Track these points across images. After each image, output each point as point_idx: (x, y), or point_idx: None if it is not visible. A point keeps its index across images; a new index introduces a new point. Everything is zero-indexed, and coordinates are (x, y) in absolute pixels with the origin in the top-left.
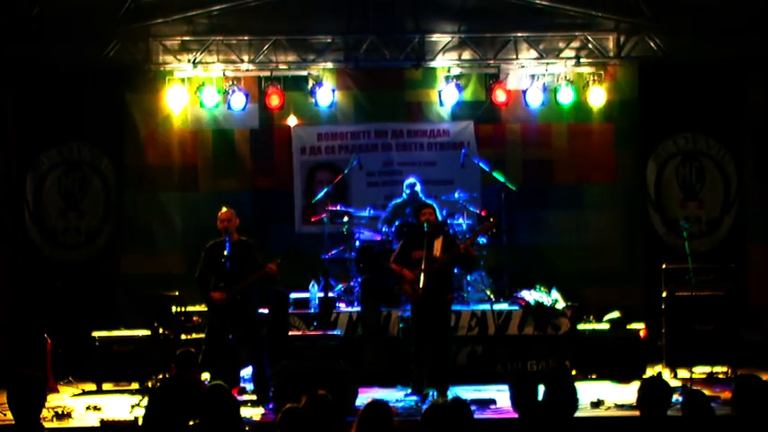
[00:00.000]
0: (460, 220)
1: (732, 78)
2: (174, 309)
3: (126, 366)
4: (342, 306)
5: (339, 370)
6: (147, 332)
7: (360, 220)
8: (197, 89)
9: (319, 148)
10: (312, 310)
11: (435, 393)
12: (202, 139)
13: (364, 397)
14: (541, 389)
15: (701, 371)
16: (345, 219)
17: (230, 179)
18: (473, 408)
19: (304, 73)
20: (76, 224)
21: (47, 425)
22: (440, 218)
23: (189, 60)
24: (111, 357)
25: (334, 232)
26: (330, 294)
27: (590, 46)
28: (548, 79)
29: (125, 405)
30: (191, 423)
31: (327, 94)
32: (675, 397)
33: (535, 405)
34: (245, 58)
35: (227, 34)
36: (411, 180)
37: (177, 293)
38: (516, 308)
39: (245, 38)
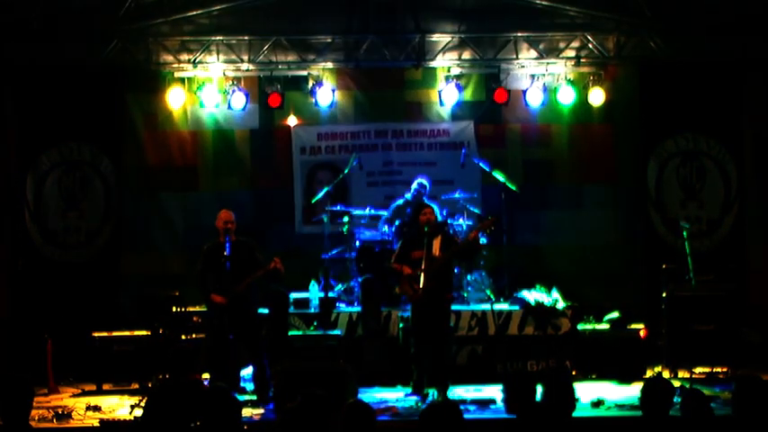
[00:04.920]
0: (461, 221)
1: (732, 78)
2: (173, 309)
3: (126, 366)
4: (342, 306)
5: (339, 370)
6: (147, 332)
7: (360, 220)
8: (197, 89)
9: (319, 147)
10: (312, 310)
11: (435, 393)
12: (202, 139)
13: (365, 397)
14: (539, 389)
15: (700, 371)
16: (345, 218)
17: (230, 179)
18: (473, 407)
19: (304, 73)
20: (77, 224)
21: (47, 425)
22: (439, 218)
23: (189, 60)
24: (111, 357)
25: (334, 232)
26: (330, 294)
27: (590, 46)
28: (548, 79)
29: (125, 405)
30: (192, 425)
31: (327, 94)
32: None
33: (532, 405)
34: (245, 57)
35: (227, 34)
36: (422, 180)
37: (177, 293)
38: (516, 308)
39: (245, 38)
